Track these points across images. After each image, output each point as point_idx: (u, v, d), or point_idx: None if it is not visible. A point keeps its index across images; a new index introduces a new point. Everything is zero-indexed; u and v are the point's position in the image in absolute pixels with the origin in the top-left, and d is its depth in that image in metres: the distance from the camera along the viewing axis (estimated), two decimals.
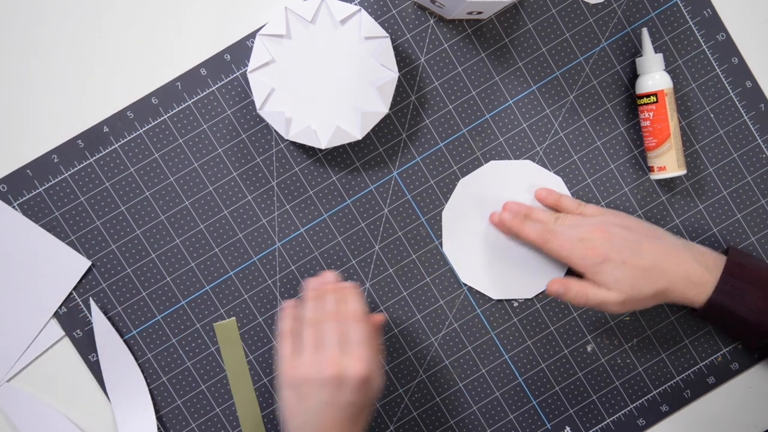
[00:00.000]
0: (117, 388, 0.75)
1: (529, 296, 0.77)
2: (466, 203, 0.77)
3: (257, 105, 0.71)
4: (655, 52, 0.76)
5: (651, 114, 0.74)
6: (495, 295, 0.77)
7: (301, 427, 0.64)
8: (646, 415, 0.78)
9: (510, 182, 0.77)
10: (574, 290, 0.70)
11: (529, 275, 0.77)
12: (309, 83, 0.71)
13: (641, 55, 0.76)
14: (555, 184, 0.77)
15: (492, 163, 0.77)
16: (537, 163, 0.78)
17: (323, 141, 0.72)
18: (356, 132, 0.72)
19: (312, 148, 0.77)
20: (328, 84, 0.71)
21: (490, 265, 0.77)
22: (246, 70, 0.76)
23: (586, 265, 0.69)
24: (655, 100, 0.74)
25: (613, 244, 0.69)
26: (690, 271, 0.69)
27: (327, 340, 0.64)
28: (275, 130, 0.75)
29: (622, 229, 0.70)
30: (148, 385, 0.76)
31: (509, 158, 0.78)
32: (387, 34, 0.71)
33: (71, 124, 0.75)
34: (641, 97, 0.75)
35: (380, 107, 0.72)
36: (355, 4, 0.75)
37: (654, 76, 0.74)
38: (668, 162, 0.75)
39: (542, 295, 0.78)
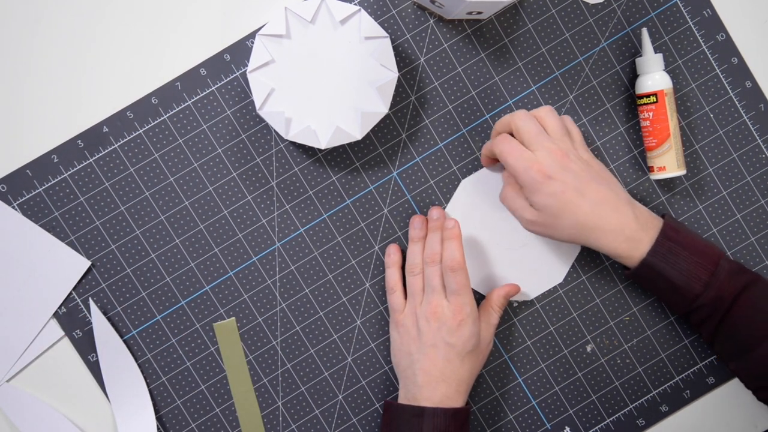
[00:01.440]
0: (117, 388, 0.75)
1: (529, 298, 0.77)
2: (467, 205, 0.77)
3: (257, 105, 0.71)
4: (655, 52, 0.76)
5: (651, 114, 0.74)
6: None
7: (408, 368, 0.71)
8: (646, 415, 0.78)
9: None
10: (503, 191, 0.72)
11: (531, 276, 0.77)
12: (309, 83, 0.71)
13: (641, 55, 0.76)
14: None
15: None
16: None
17: (323, 141, 0.72)
18: (356, 132, 0.72)
19: (312, 148, 0.77)
20: (328, 84, 0.71)
21: (491, 267, 0.77)
22: (246, 70, 0.76)
23: (525, 178, 0.67)
24: (654, 100, 0.74)
25: (563, 171, 0.67)
26: (626, 225, 0.68)
27: (430, 286, 0.71)
28: (275, 130, 0.75)
29: (581, 162, 0.69)
30: (148, 385, 0.76)
31: None
32: (387, 34, 0.71)
33: (71, 124, 0.75)
34: (641, 97, 0.75)
35: (380, 107, 0.72)
36: (355, 4, 0.75)
37: (654, 76, 0.74)
38: (668, 162, 0.75)
39: (542, 296, 0.78)
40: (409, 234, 0.75)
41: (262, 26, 0.75)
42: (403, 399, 0.71)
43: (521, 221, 0.70)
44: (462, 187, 0.77)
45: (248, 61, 0.75)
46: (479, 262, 0.77)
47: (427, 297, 0.71)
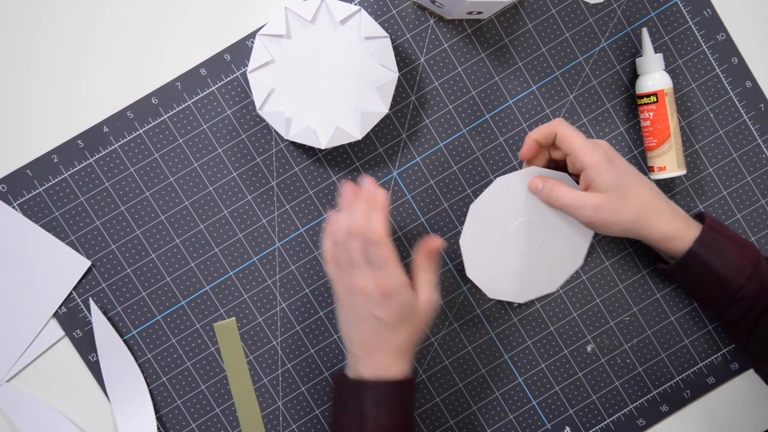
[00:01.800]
0: (117, 388, 0.75)
1: (552, 290, 0.76)
2: (482, 226, 0.74)
3: (257, 105, 0.71)
4: (655, 52, 0.76)
5: (651, 114, 0.74)
6: (523, 299, 0.76)
7: (347, 339, 0.70)
8: (646, 415, 0.78)
9: (522, 194, 0.74)
10: (549, 186, 0.71)
11: (551, 268, 0.75)
12: (309, 83, 0.71)
13: (641, 55, 0.76)
14: (563, 180, 0.75)
15: (498, 180, 0.73)
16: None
17: (323, 141, 0.72)
18: (356, 132, 0.72)
19: (312, 148, 0.77)
20: (328, 84, 0.71)
21: (514, 273, 0.75)
22: (246, 70, 0.76)
23: (593, 158, 0.69)
24: (655, 100, 0.74)
25: (620, 159, 0.70)
26: (677, 212, 0.70)
27: (352, 260, 0.67)
28: (275, 130, 0.75)
29: (630, 167, 0.71)
30: (148, 385, 0.76)
31: (509, 158, 0.78)
32: (387, 34, 0.71)
33: (71, 124, 0.75)
34: (641, 97, 0.75)
35: (380, 107, 0.72)
36: (355, 4, 0.75)
37: (654, 76, 0.74)
38: (668, 162, 0.75)
39: (564, 285, 0.78)
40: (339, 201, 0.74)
41: (263, 26, 0.75)
42: (349, 371, 0.71)
43: (584, 211, 0.69)
44: (472, 212, 0.73)
45: (248, 61, 0.75)
46: (503, 276, 0.75)
47: (351, 270, 0.68)
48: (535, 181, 0.72)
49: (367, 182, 0.69)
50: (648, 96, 0.74)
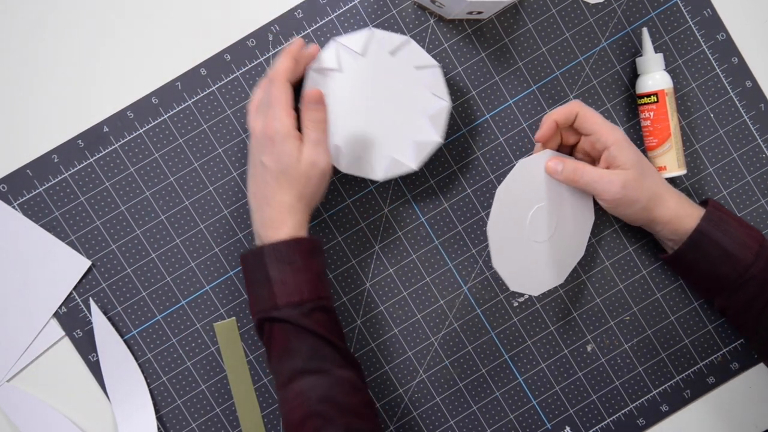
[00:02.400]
0: (117, 388, 0.75)
1: (560, 281, 0.75)
2: (508, 212, 0.72)
3: None
4: (656, 52, 0.76)
5: (651, 114, 0.74)
6: (537, 291, 0.74)
7: (248, 195, 0.69)
8: (646, 415, 0.78)
9: (540, 177, 0.72)
10: (571, 166, 0.70)
11: (561, 258, 0.74)
12: (361, 115, 0.71)
13: (641, 55, 0.76)
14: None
15: (521, 161, 0.71)
16: None
17: (379, 173, 0.72)
18: (411, 162, 0.72)
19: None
20: (381, 115, 0.72)
21: (531, 264, 0.73)
22: (241, 71, 0.76)
23: (615, 135, 0.70)
24: (655, 99, 0.74)
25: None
26: (682, 197, 0.72)
27: (263, 103, 0.68)
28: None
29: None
30: (148, 385, 0.76)
31: (509, 158, 0.78)
32: (437, 63, 0.72)
33: (71, 124, 0.75)
34: (641, 96, 0.75)
35: (434, 136, 0.72)
36: (355, 4, 0.76)
37: (654, 76, 0.74)
38: (668, 162, 0.75)
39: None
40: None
41: (314, 61, 0.75)
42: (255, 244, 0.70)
43: (612, 188, 0.69)
44: (498, 196, 0.71)
45: (249, 62, 0.75)
46: (521, 259, 0.73)
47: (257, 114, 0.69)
48: (554, 162, 0.70)
49: (295, 42, 0.70)
50: (648, 96, 0.74)
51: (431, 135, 0.72)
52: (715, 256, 0.70)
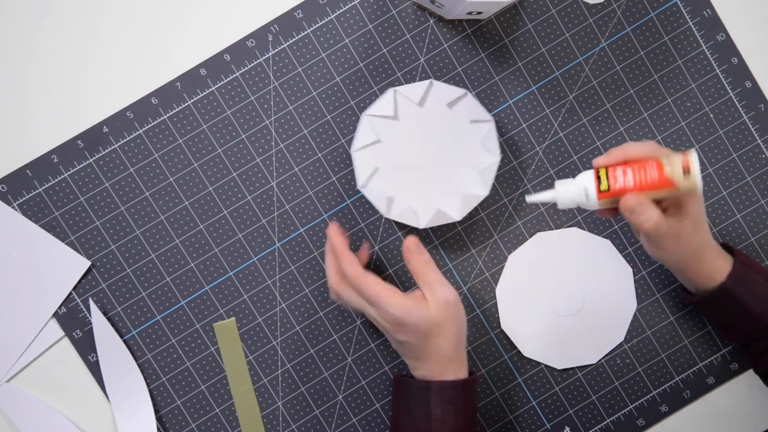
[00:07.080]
0: (117, 388, 0.75)
1: (593, 362, 0.77)
2: (520, 277, 0.76)
3: (359, 182, 0.71)
4: (655, 52, 0.76)
5: (628, 175, 0.65)
6: (561, 365, 0.77)
7: (401, 353, 0.70)
8: (646, 415, 0.78)
9: (559, 251, 0.76)
10: (650, 212, 0.63)
11: (592, 337, 0.77)
12: (413, 164, 0.72)
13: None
14: (603, 246, 0.76)
15: (539, 235, 0.76)
16: (537, 163, 0.78)
17: (422, 222, 0.72)
18: (455, 214, 0.72)
19: (312, 149, 0.77)
20: (432, 165, 0.72)
21: (552, 336, 0.76)
22: (241, 71, 0.76)
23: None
24: (607, 188, 0.65)
25: None
26: (715, 248, 0.69)
27: (351, 304, 0.69)
28: (376, 207, 0.73)
29: None
30: (148, 385, 0.76)
31: (509, 157, 0.78)
32: (491, 118, 0.72)
33: (71, 124, 0.75)
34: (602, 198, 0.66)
35: (480, 190, 0.72)
36: (355, 4, 0.76)
37: (577, 182, 0.66)
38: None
39: (605, 358, 0.77)
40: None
41: (369, 106, 0.75)
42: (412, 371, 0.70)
43: (683, 236, 0.66)
44: (510, 262, 0.76)
45: (248, 63, 0.76)
46: (540, 334, 0.76)
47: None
48: (631, 198, 0.63)
49: (329, 231, 0.69)
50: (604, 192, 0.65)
51: (478, 189, 0.72)
52: (736, 314, 0.69)
